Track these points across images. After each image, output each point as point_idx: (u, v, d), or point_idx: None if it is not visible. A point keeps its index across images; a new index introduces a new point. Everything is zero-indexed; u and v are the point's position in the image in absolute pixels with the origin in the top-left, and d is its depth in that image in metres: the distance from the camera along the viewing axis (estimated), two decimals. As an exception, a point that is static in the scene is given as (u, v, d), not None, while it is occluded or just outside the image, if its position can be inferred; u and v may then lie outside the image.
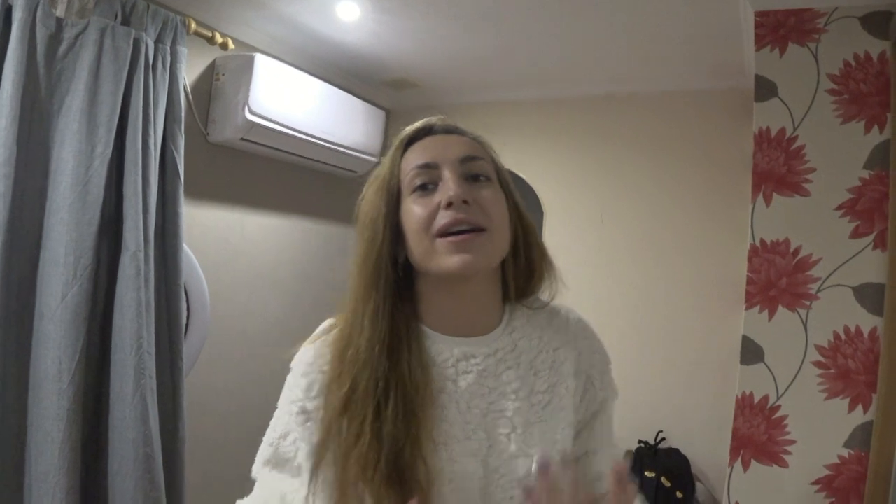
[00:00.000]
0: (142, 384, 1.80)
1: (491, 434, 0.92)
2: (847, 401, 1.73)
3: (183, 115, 1.95)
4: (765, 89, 1.82)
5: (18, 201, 1.68)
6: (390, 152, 0.96)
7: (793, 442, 1.78)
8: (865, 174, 1.71)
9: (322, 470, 0.89)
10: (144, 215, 1.84)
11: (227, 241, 2.20)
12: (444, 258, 0.88)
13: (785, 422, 1.79)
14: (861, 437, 1.72)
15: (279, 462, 0.94)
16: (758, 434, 1.81)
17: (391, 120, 2.72)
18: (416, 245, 0.90)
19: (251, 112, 2.05)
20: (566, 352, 1.01)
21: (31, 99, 1.69)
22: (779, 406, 1.79)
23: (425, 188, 0.91)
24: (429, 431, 0.88)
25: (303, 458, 0.91)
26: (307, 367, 0.94)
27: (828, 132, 1.75)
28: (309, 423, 0.91)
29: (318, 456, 0.89)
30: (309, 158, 2.34)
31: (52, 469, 1.66)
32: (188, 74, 2.08)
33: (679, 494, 2.07)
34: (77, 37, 1.75)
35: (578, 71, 2.48)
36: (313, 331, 0.99)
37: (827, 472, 1.75)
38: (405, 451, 0.85)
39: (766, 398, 1.81)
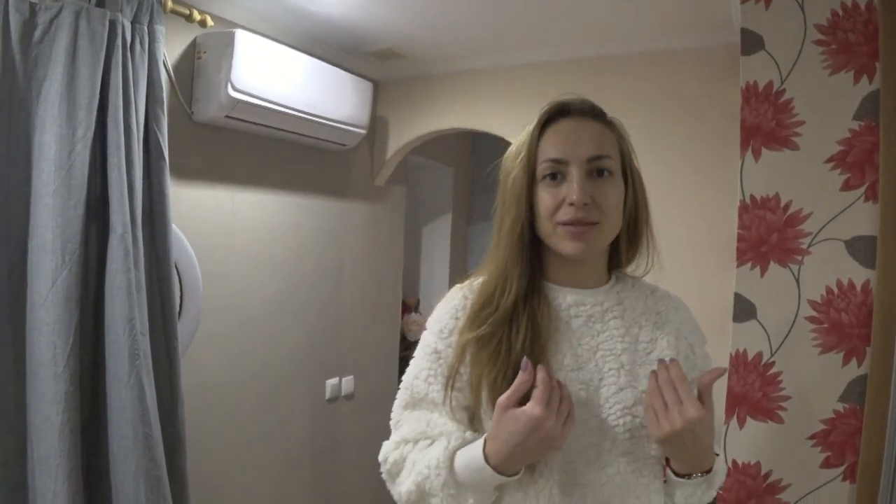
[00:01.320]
0: (137, 365, 1.82)
1: (601, 368, 1.10)
2: (841, 355, 1.72)
3: (165, 95, 1.94)
4: (751, 42, 1.79)
5: (3, 190, 1.68)
6: (529, 128, 1.12)
7: (787, 398, 1.78)
8: (855, 125, 1.68)
9: (456, 392, 1.10)
10: (130, 197, 1.84)
11: (217, 220, 2.20)
12: (562, 242, 1.08)
13: (779, 378, 1.78)
14: (856, 391, 1.71)
15: (416, 401, 1.13)
16: (752, 391, 1.81)
17: (379, 91, 2.69)
18: (542, 225, 1.10)
19: (234, 89, 2.04)
20: (668, 315, 1.20)
21: (9, 86, 1.68)
22: (773, 362, 1.79)
23: (555, 177, 1.08)
24: (547, 356, 1.07)
25: (435, 391, 1.11)
26: (441, 316, 1.15)
27: (816, 84, 1.72)
28: (441, 360, 1.12)
29: (451, 378, 1.09)
30: (297, 133, 2.32)
31: (52, 452, 1.69)
32: (169, 54, 2.06)
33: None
34: (51, 21, 1.73)
35: (563, 32, 2.44)
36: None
37: (822, 427, 1.75)
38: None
39: (759, 355, 1.80)
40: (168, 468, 1.90)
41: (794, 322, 1.76)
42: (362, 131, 2.49)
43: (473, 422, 1.11)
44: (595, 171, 1.07)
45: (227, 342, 2.23)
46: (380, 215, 2.73)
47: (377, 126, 2.65)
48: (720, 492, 1.85)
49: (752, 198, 1.79)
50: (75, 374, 1.73)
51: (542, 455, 1.01)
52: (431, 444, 1.09)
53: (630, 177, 1.15)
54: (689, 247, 2.33)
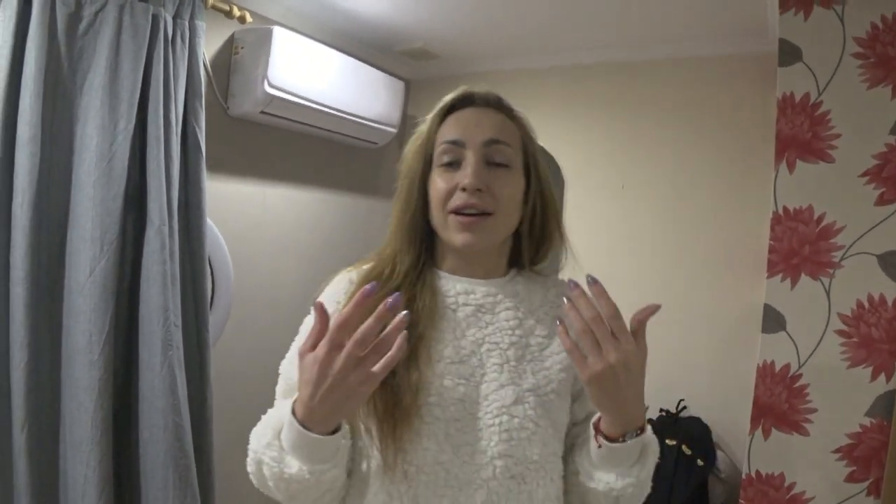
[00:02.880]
0: (169, 355, 1.85)
1: (484, 363, 1.03)
2: (870, 369, 1.72)
3: (203, 89, 1.96)
4: (789, 54, 1.78)
5: (45, 179, 1.71)
6: (431, 115, 1.09)
7: (814, 410, 1.78)
8: (892, 140, 1.68)
9: None
10: (168, 190, 1.87)
11: (248, 214, 2.23)
12: (452, 233, 1.03)
13: (806, 390, 1.78)
14: (883, 406, 1.71)
15: (290, 388, 1.03)
16: (779, 402, 1.81)
17: (411, 91, 2.71)
18: (434, 213, 1.05)
19: (270, 85, 2.06)
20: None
21: (54, 77, 1.71)
22: (800, 374, 1.79)
23: (450, 164, 1.03)
24: (426, 346, 1.00)
25: None
26: (324, 300, 1.05)
27: (853, 97, 1.71)
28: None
29: None
30: (328, 130, 2.34)
31: (85, 438, 1.72)
32: (207, 49, 2.09)
33: (700, 462, 2.08)
34: (96, 14, 1.76)
35: (598, 37, 2.44)
36: None
37: (848, 441, 1.75)
38: (404, 357, 0.92)
39: (787, 366, 1.80)
40: (196, 457, 1.92)
41: (823, 335, 1.76)
42: (393, 130, 2.51)
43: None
44: (491, 159, 1.03)
45: (256, 334, 2.25)
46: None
47: (407, 125, 2.66)
48: (742, 501, 1.86)
49: (786, 209, 1.79)
50: (109, 362, 1.76)
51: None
52: None
53: (533, 172, 1.09)
54: (719, 256, 2.33)
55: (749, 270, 2.23)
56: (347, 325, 0.82)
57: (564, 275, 1.09)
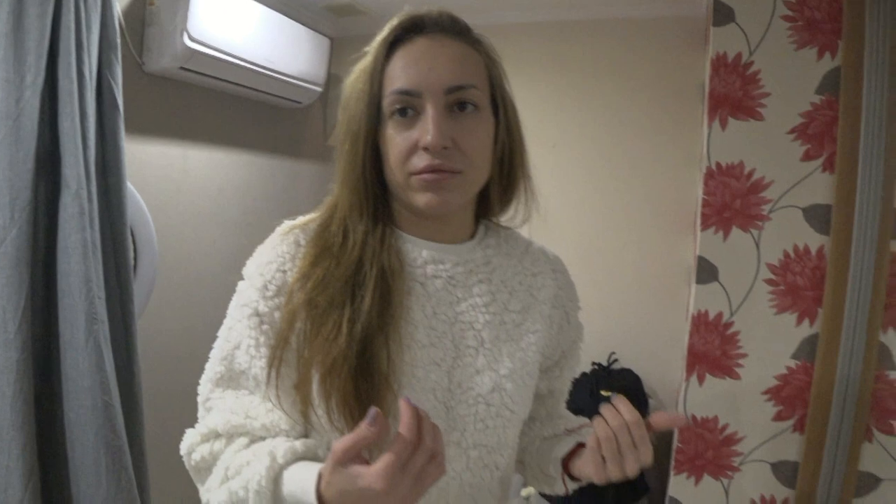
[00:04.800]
0: (94, 330, 1.70)
1: (458, 344, 0.92)
2: (795, 315, 1.84)
3: (118, 40, 1.80)
4: (722, 14, 1.85)
5: (-58, 140, 1.52)
6: (374, 49, 0.89)
7: (745, 355, 1.89)
8: (817, 99, 1.78)
9: (284, 370, 0.86)
10: (84, 150, 1.70)
11: (169, 178, 2.08)
12: (415, 194, 0.87)
13: (738, 337, 1.89)
14: (807, 349, 1.84)
15: (233, 378, 0.89)
16: (712, 349, 1.91)
17: (335, 49, 2.60)
18: (392, 173, 0.88)
19: (191, 39, 1.92)
20: (545, 279, 1.03)
21: (-55, 23, 1.52)
22: (732, 322, 1.89)
23: (405, 113, 0.86)
24: (396, 328, 0.86)
25: (259, 367, 0.87)
26: (264, 268, 0.89)
27: (782, 58, 1.80)
28: (265, 327, 0.87)
29: (278, 352, 0.86)
30: (252, 89, 2.22)
31: (5, 424, 1.56)
32: (117, -2, 1.92)
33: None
34: (-6, -50, 1.57)
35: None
36: None
37: (776, 383, 1.87)
38: (374, 343, 0.84)
39: (720, 315, 1.90)
40: (127, 438, 1.80)
41: (753, 284, 1.87)
42: (318, 89, 2.41)
43: (303, 405, 0.88)
44: (456, 104, 0.86)
45: (182, 304, 2.13)
46: (332, 175, 2.61)
47: (332, 85, 2.57)
48: (679, 444, 1.96)
49: (718, 165, 1.87)
50: (27, 340, 1.60)
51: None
52: (250, 443, 0.87)
53: (502, 109, 0.93)
54: (650, 211, 2.41)
55: (677, 225, 2.32)
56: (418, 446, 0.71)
57: (528, 230, 1.04)
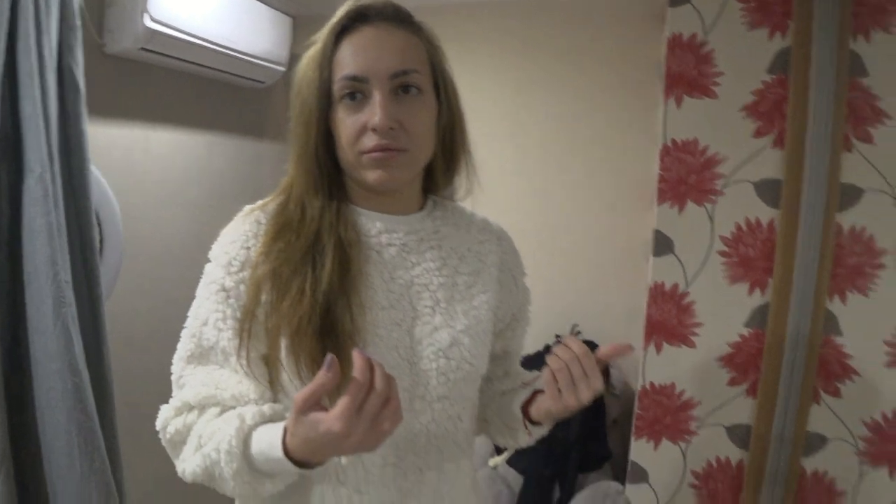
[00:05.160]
0: (62, 313, 1.70)
1: (416, 305, 1.00)
2: (747, 285, 1.93)
3: (78, 21, 1.78)
4: (678, -6, 1.90)
5: None
6: (323, 38, 0.96)
7: (700, 324, 1.97)
8: (768, 78, 1.85)
9: (252, 341, 0.93)
10: (47, 134, 1.69)
11: (132, 160, 2.07)
12: (366, 172, 0.95)
13: (693, 307, 1.97)
14: (759, 317, 1.93)
15: (203, 354, 0.95)
16: (669, 319, 1.99)
17: (297, 29, 2.59)
18: (343, 153, 0.96)
19: (152, 19, 1.90)
20: (490, 246, 1.13)
21: None
22: (687, 293, 1.97)
23: (354, 97, 0.93)
24: (357, 292, 0.94)
25: (227, 339, 0.93)
26: (228, 247, 0.96)
27: (735, 38, 1.87)
28: (231, 301, 0.94)
29: (246, 324, 0.92)
30: (214, 69, 2.21)
31: (-26, 410, 1.57)
32: (75, -24, 1.89)
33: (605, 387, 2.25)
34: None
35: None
36: None
37: (729, 350, 1.97)
38: (337, 305, 0.91)
39: (676, 286, 1.98)
40: (98, 419, 1.81)
41: (707, 256, 1.95)
42: (281, 68, 2.41)
43: (271, 373, 0.95)
44: (400, 88, 0.93)
45: (148, 285, 2.13)
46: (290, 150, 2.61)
47: (294, 64, 2.55)
48: (639, 410, 2.04)
49: (674, 142, 1.93)
50: (-6, 325, 1.61)
51: (354, 453, 0.84)
52: (221, 412, 0.92)
53: (443, 91, 1.01)
54: (609, 187, 2.46)
55: (639, 201, 2.39)
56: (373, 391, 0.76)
57: (471, 203, 1.12)
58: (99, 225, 1.92)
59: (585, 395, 0.93)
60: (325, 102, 0.94)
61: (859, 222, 1.84)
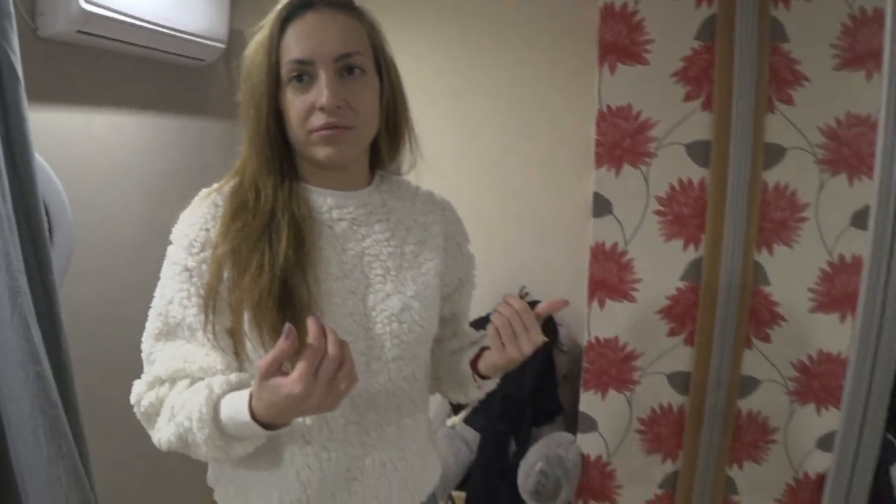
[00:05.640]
0: (19, 303, 1.71)
1: (368, 275, 1.08)
2: (682, 241, 2.04)
3: (11, 7, 1.75)
4: (608, -35, 1.96)
5: None
6: (269, 25, 1.01)
7: (639, 280, 2.08)
8: (696, 44, 1.94)
9: (216, 316, 0.99)
10: (-12, 124, 1.68)
11: (75, 145, 2.05)
12: (316, 149, 1.01)
13: (632, 264, 2.08)
14: (693, 271, 2.04)
15: (170, 331, 1.02)
16: (610, 276, 2.10)
17: (235, 3, 2.56)
18: (293, 132, 1.02)
19: (87, 1, 1.88)
20: (435, 217, 1.20)
21: None
22: (626, 251, 2.07)
23: (301, 79, 0.99)
24: (312, 265, 1.01)
25: (192, 315, 1.00)
26: (188, 229, 1.02)
27: (664, 6, 1.94)
28: (194, 279, 1.00)
29: (210, 301, 0.99)
30: (153, 49, 2.18)
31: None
32: (2, -42, 1.85)
33: (546, 339, 2.35)
34: None
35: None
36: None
37: (667, 303, 2.08)
38: (294, 278, 0.98)
39: (615, 245, 2.07)
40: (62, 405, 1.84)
41: (643, 215, 2.04)
42: (220, 45, 2.39)
43: (236, 344, 1.02)
44: (345, 69, 1.00)
45: (101, 270, 2.13)
46: (242, 133, 2.59)
47: (234, 40, 2.54)
48: (586, 364, 2.15)
49: (609, 107, 2.01)
50: (-52, 319, 1.61)
51: (315, 413, 0.91)
52: (191, 384, 0.99)
53: (385, 71, 1.07)
54: (551, 152, 2.54)
55: (576, 164, 2.48)
56: (327, 356, 0.83)
57: (416, 176, 1.20)
58: (47, 213, 1.91)
59: (526, 347, 1.03)
60: (273, 85, 1.00)
61: (783, 179, 1.96)
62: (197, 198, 1.08)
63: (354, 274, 1.07)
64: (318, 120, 0.98)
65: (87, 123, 2.10)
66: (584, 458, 2.23)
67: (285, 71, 0.99)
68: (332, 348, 0.82)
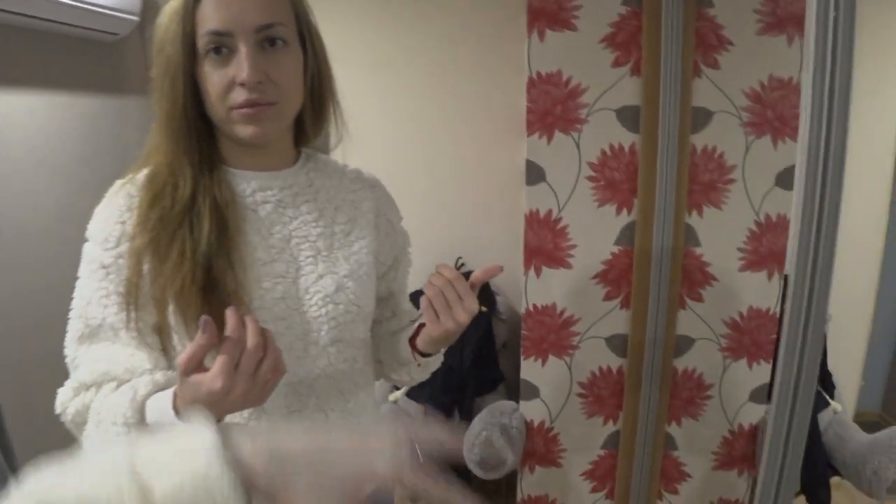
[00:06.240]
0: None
1: (297, 258, 1.03)
2: (615, 206, 2.05)
3: None
4: (531, -70, 1.94)
5: None
6: None
7: (574, 246, 2.09)
8: (623, 10, 1.93)
9: (139, 312, 0.93)
10: None
11: (-20, 129, 1.94)
12: (236, 127, 0.94)
13: (567, 230, 2.08)
14: (627, 235, 2.07)
15: (92, 333, 0.95)
16: (545, 244, 2.10)
17: (147, -28, 2.45)
18: (212, 109, 0.95)
19: (-16, -27, 1.76)
20: (364, 194, 1.16)
21: None
22: (561, 218, 2.08)
23: (219, 51, 0.91)
24: (237, 250, 0.95)
25: (113, 314, 0.94)
26: (102, 224, 0.96)
27: (588, -30, 1.93)
28: (111, 276, 0.94)
29: (131, 297, 0.93)
30: (62, 23, 2.06)
31: None
32: None
33: (483, 308, 2.36)
34: None
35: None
36: None
37: (603, 267, 2.10)
38: (218, 263, 0.93)
39: (549, 212, 2.08)
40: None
41: (576, 182, 2.05)
42: (134, 18, 2.27)
43: (163, 340, 0.97)
44: (266, 41, 0.92)
45: (15, 272, 2.01)
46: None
47: (149, 12, 2.43)
48: (525, 331, 2.16)
49: (539, 74, 2.00)
50: None
51: (243, 408, 0.86)
52: (117, 386, 0.92)
53: (309, 42, 1.00)
54: (483, 121, 2.52)
55: (511, 131, 2.46)
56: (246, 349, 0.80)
57: (343, 153, 1.14)
58: (-46, 202, 1.80)
59: (462, 317, 1.00)
60: (189, 58, 0.92)
61: (710, 142, 1.99)
62: (111, 190, 1.00)
63: (283, 257, 1.02)
64: (239, 96, 0.91)
65: (-7, 105, 1.98)
66: (527, 425, 2.26)
67: (202, 43, 0.91)
68: (251, 339, 0.79)
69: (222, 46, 0.91)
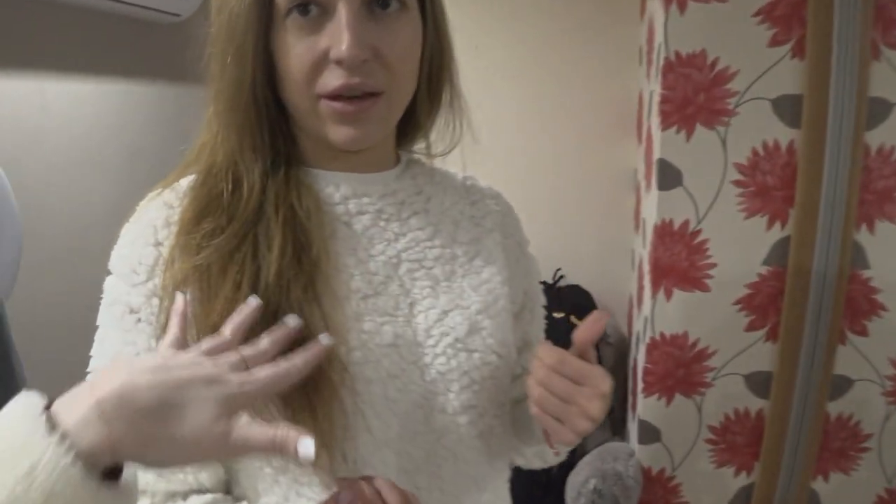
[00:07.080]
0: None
1: (410, 289, 0.75)
2: (766, 218, 1.73)
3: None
4: None
5: None
6: None
7: (714, 265, 1.77)
8: (784, -25, 1.59)
9: None
10: None
11: (23, 119, 1.69)
12: (328, 126, 0.69)
13: (706, 246, 1.76)
14: (779, 253, 1.74)
15: None
16: (679, 261, 1.78)
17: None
18: (293, 96, 0.68)
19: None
20: (486, 205, 0.88)
21: None
22: (699, 230, 1.76)
23: (307, 10, 0.64)
24: (323, 276, 0.68)
25: None
26: (128, 248, 0.70)
27: (746, -71, 1.60)
28: (142, 324, 0.67)
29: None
30: (119, 2, 1.81)
31: None
32: None
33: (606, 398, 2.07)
34: None
35: None
36: None
37: (747, 292, 1.78)
38: (293, 296, 0.65)
39: (686, 223, 1.76)
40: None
41: (720, 187, 1.72)
42: (198, -3, 2.04)
43: None
44: (377, 2, 0.66)
45: (58, 270, 1.79)
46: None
47: (213, -10, 2.19)
48: (648, 364, 1.84)
49: (678, 55, 1.67)
50: None
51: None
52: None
53: (429, 5, 0.73)
54: (584, 114, 2.20)
55: (619, 128, 2.15)
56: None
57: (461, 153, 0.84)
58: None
59: (582, 426, 0.67)
60: (264, 19, 0.65)
61: (889, 141, 1.63)
62: (141, 203, 0.74)
63: (390, 289, 0.74)
64: (334, 79, 0.65)
65: (39, 92, 1.74)
66: (644, 473, 1.94)
67: None
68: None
69: (312, 3, 0.64)
